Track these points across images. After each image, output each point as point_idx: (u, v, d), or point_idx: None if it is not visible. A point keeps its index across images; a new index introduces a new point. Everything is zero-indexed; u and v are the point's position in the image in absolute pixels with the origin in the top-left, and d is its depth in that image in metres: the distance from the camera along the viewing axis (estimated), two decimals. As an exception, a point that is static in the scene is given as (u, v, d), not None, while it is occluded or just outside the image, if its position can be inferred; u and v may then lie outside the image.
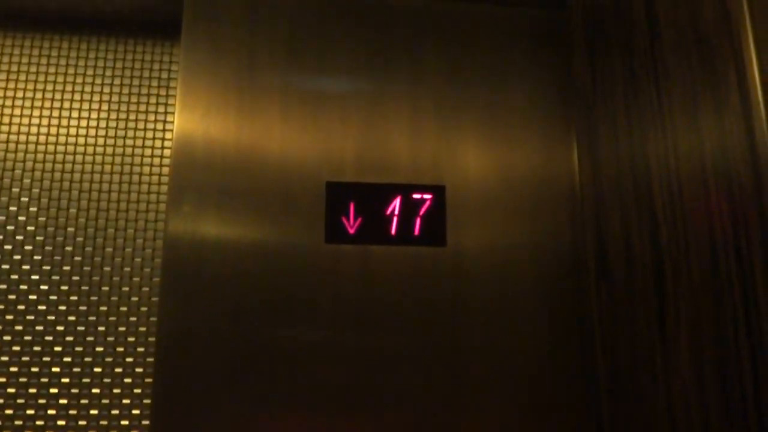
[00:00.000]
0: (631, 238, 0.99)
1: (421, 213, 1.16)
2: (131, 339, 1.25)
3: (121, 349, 1.25)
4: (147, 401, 1.22)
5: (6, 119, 1.33)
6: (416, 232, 1.15)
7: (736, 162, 0.75)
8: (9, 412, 1.20)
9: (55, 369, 1.23)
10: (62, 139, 1.34)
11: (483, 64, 1.26)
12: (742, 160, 0.74)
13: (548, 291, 1.17)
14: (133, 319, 1.26)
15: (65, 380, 1.22)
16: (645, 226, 0.95)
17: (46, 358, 1.23)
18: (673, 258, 0.87)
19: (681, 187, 0.86)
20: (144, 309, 1.27)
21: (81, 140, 1.34)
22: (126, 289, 1.27)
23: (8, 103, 1.34)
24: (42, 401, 1.21)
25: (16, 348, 1.23)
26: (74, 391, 1.22)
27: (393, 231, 1.14)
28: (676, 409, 0.86)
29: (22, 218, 1.29)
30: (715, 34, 0.80)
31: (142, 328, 1.26)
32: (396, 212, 1.15)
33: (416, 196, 1.16)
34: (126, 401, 1.22)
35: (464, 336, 1.13)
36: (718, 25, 0.79)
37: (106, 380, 1.23)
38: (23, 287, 1.26)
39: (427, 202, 1.16)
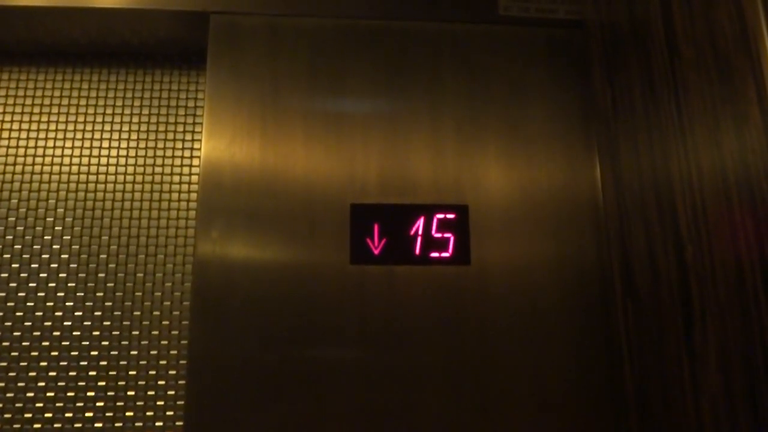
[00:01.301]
0: (656, 254, 0.99)
1: (445, 233, 1.17)
2: (163, 362, 1.28)
3: (153, 372, 1.27)
4: (179, 423, 1.24)
5: (40, 151, 1.38)
6: (440, 251, 1.16)
7: (758, 177, 0.75)
8: (46, 436, 1.23)
9: (90, 393, 1.26)
10: (93, 168, 1.38)
11: (502, 83, 1.27)
12: (765, 176, 0.74)
13: (574, 308, 1.16)
14: (164, 342, 1.29)
15: (100, 404, 1.25)
16: (669, 243, 0.95)
17: (81, 383, 1.26)
18: (698, 275, 0.87)
19: (705, 203, 0.86)
20: (175, 333, 1.30)
21: (111, 169, 1.38)
22: (157, 313, 1.30)
23: (42, 135, 1.39)
24: (78, 425, 1.24)
25: (53, 373, 1.26)
26: (108, 414, 1.25)
27: (417, 251, 1.15)
28: (707, 426, 0.85)
29: (56, 246, 1.33)
30: (734, 50, 0.80)
31: (174, 351, 1.29)
32: (420, 232, 1.16)
33: (439, 215, 1.17)
34: (159, 423, 1.25)
35: (490, 354, 1.13)
36: (737, 41, 0.79)
37: (139, 403, 1.25)
38: (58, 314, 1.29)
39: (451, 222, 1.17)
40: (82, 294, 1.30)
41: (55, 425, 1.24)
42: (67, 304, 1.30)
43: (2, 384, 1.25)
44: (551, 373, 1.14)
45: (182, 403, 1.25)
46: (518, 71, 1.28)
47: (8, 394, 1.24)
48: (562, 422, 1.12)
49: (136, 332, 1.29)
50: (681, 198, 0.92)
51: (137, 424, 1.25)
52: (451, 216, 1.17)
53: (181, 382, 1.27)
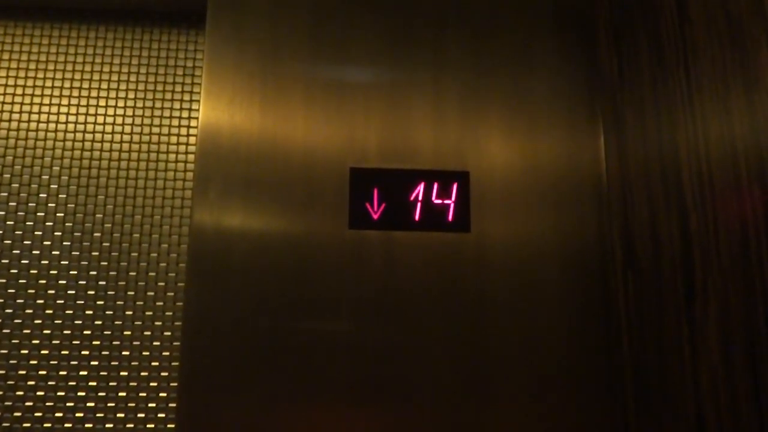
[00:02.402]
0: (659, 224, 0.98)
1: (445, 199, 1.15)
2: (158, 323, 1.27)
3: (148, 332, 1.27)
4: (174, 384, 1.24)
5: (36, 108, 1.36)
6: (439, 217, 1.14)
7: (768, 144, 0.74)
8: (40, 393, 1.23)
9: (85, 352, 1.25)
10: (90, 127, 1.36)
11: (507, 50, 1.25)
12: (775, 143, 0.73)
13: (573, 279, 1.16)
14: (159, 303, 1.28)
15: (94, 363, 1.25)
16: (673, 213, 0.94)
17: (76, 342, 1.26)
18: (702, 244, 0.86)
19: (711, 172, 0.85)
20: (170, 294, 1.29)
21: (108, 128, 1.36)
22: (153, 274, 1.29)
23: (38, 92, 1.37)
24: (72, 383, 1.24)
25: (47, 331, 1.26)
26: (103, 373, 1.25)
27: (416, 217, 1.14)
28: (704, 395, 0.85)
29: (51, 205, 1.31)
30: (747, 14, 0.78)
31: (169, 313, 1.28)
32: (420, 198, 1.15)
33: (440, 182, 1.16)
34: (153, 384, 1.25)
35: (488, 324, 1.13)
36: (750, 4, 0.77)
37: (134, 363, 1.25)
38: (53, 272, 1.28)
39: (451, 188, 1.16)
40: (78, 253, 1.29)
41: (50, 382, 1.23)
42: (62, 262, 1.29)
43: (-4, 341, 1.24)
44: (549, 343, 1.13)
45: (176, 364, 1.25)
46: (523, 38, 1.25)
47: (2, 351, 1.24)
48: (558, 393, 1.11)
49: (132, 292, 1.28)
50: (687, 166, 0.90)
51: (131, 383, 1.24)
52: (451, 182, 1.16)
53: (176, 343, 1.26)
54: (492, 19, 1.26)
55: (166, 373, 1.25)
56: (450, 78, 1.22)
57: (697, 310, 0.87)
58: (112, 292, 1.28)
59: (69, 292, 1.27)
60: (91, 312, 1.27)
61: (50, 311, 1.26)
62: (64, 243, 1.30)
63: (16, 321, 1.25)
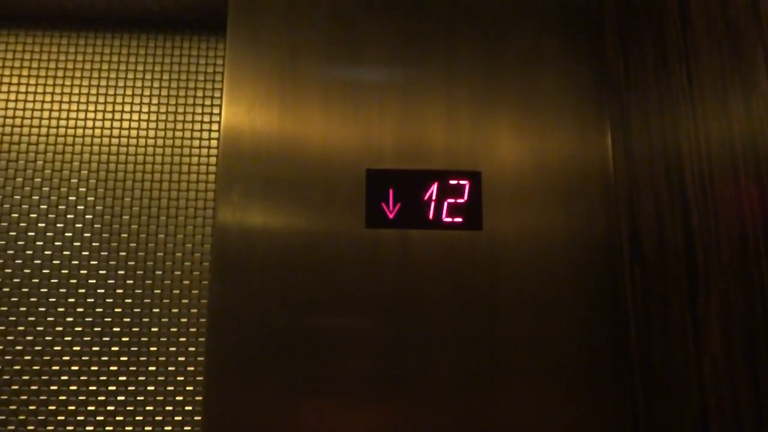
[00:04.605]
0: (663, 221, 1.01)
1: (458, 198, 1.19)
2: (184, 320, 1.33)
3: (174, 329, 1.33)
4: (200, 378, 1.30)
5: (64, 114, 1.42)
6: (453, 216, 1.19)
7: (764, 145, 0.77)
8: (73, 388, 1.29)
9: (114, 348, 1.31)
10: (116, 132, 1.42)
11: (517, 51, 1.28)
12: (772, 143, 0.76)
13: (582, 274, 1.19)
14: (185, 301, 1.34)
15: (123, 358, 1.31)
16: (677, 210, 0.97)
17: (106, 338, 1.32)
18: (703, 240, 0.90)
19: (712, 171, 0.89)
20: (195, 292, 1.34)
21: (134, 133, 1.42)
22: (178, 273, 1.35)
23: (65, 98, 1.43)
24: (103, 378, 1.30)
25: (78, 329, 1.32)
26: (132, 368, 1.30)
27: (431, 215, 1.18)
28: (707, 385, 0.89)
29: (80, 207, 1.37)
30: (745, 20, 0.82)
31: (194, 310, 1.34)
32: (433, 197, 1.19)
33: (453, 181, 1.20)
34: (180, 378, 1.30)
35: (500, 319, 1.16)
36: (748, 11, 0.81)
37: (162, 359, 1.31)
38: (83, 272, 1.34)
39: (464, 188, 1.20)
40: (106, 253, 1.35)
41: (81, 377, 1.29)
42: (91, 262, 1.35)
43: (30, 337, 1.31)
44: (560, 337, 1.16)
45: (202, 359, 1.30)
46: (532, 40, 1.29)
47: (36, 347, 1.30)
48: (569, 384, 1.15)
49: (158, 291, 1.34)
50: (689, 165, 0.94)
51: (159, 378, 1.30)
52: (464, 182, 1.20)
53: (201, 339, 1.32)
54: (501, 20, 1.29)
55: (192, 368, 1.31)
56: (461, 78, 1.26)
57: (699, 304, 0.91)
58: (140, 291, 1.34)
59: (98, 290, 1.33)
60: (120, 310, 1.33)
61: (81, 309, 1.32)
62: (93, 244, 1.36)
63: (48, 319, 1.32)
